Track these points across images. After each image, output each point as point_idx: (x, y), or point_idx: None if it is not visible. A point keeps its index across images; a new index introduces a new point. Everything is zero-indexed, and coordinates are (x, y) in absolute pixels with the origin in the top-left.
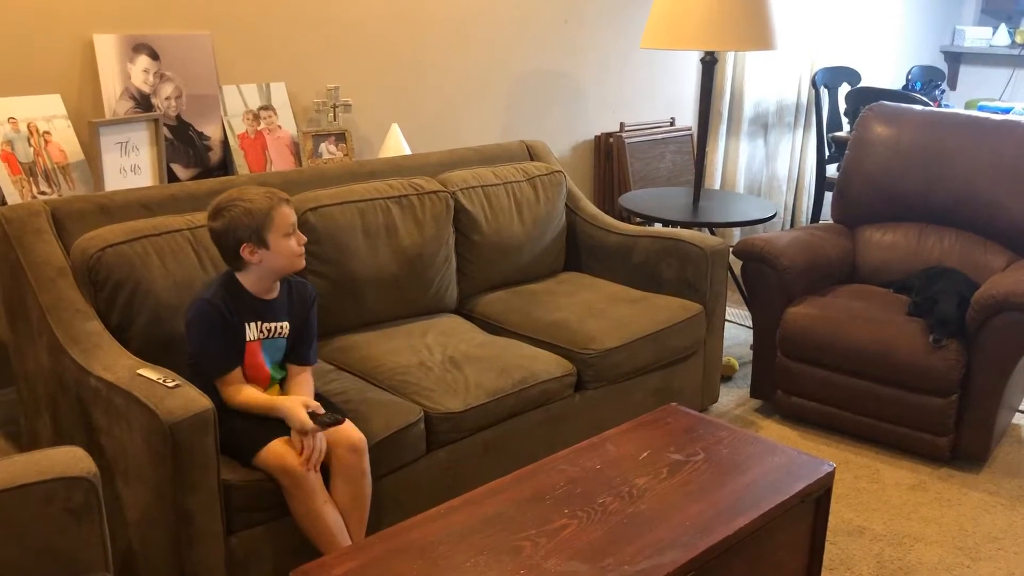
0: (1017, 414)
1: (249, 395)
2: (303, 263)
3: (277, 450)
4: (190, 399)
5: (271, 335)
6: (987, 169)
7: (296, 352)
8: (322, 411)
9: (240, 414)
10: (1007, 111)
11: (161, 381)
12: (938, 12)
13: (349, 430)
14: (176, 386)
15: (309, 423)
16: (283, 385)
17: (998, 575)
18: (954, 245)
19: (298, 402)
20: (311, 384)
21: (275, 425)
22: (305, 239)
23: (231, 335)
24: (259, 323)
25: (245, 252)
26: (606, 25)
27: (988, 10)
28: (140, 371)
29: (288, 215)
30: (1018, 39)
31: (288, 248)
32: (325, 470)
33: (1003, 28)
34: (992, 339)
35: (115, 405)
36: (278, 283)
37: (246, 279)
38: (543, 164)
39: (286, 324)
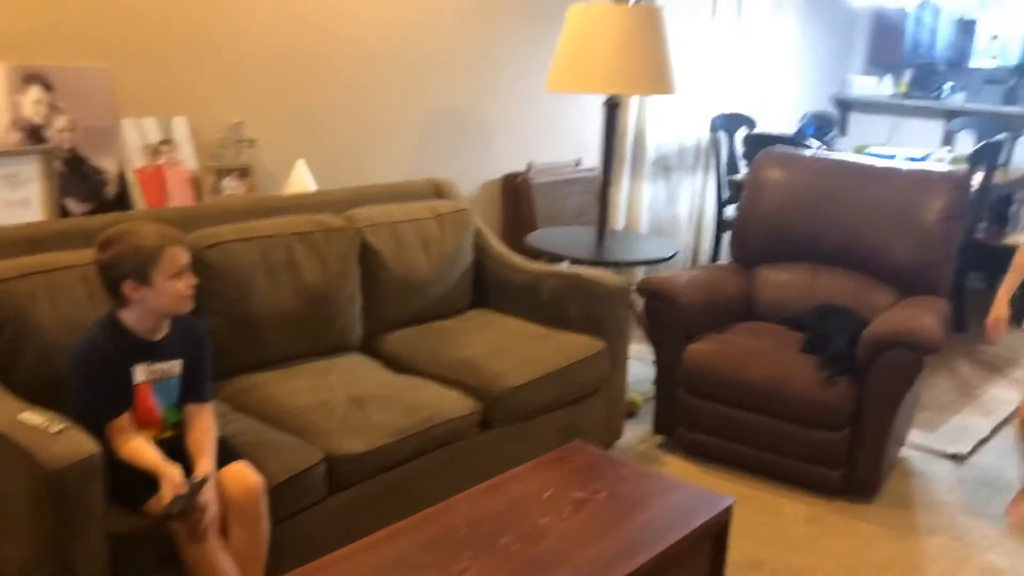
0: (904, 447)
1: (135, 449)
2: (188, 307)
3: (168, 497)
4: (75, 444)
5: (162, 377)
6: (873, 213)
7: (191, 390)
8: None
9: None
10: (892, 157)
11: (44, 426)
12: (829, 62)
13: (245, 472)
14: (60, 431)
15: (166, 502)
16: (182, 428)
17: None
18: (845, 284)
19: (174, 477)
20: (212, 425)
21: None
22: (195, 281)
23: (117, 379)
24: (147, 364)
25: (127, 288)
26: (515, 66)
27: (875, 61)
28: (21, 415)
29: (178, 256)
30: (901, 89)
31: (173, 290)
32: (221, 514)
33: (888, 79)
34: (880, 375)
35: None
36: (166, 322)
37: (128, 318)
38: (451, 202)
39: (177, 363)
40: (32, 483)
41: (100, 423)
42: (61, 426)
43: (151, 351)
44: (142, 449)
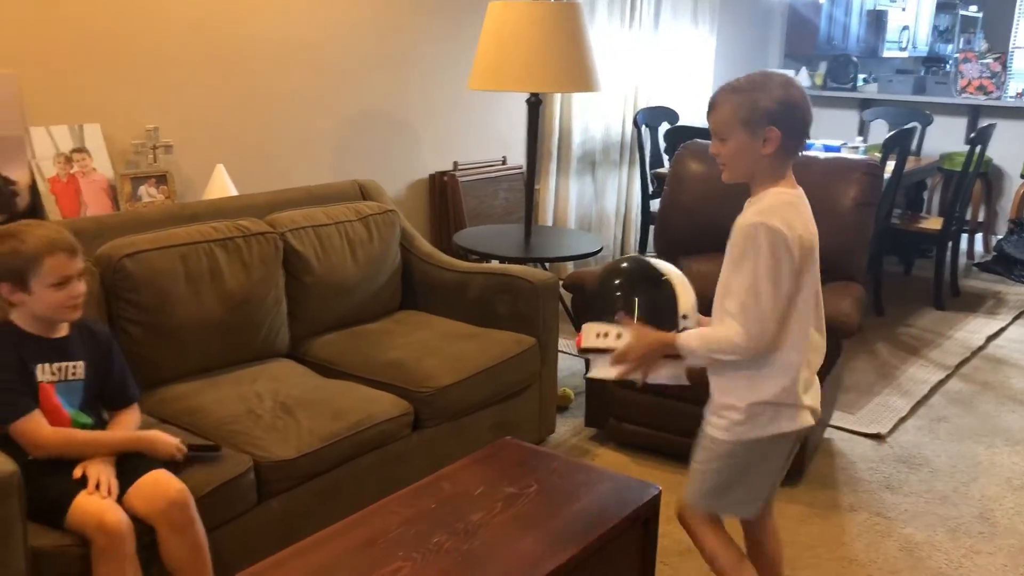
0: (828, 428)
1: (65, 433)
2: (73, 316)
3: (91, 506)
4: None
5: (64, 376)
6: None
7: (113, 395)
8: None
9: (46, 470)
10: (809, 147)
11: None
12: (746, 55)
13: (166, 480)
14: None
15: (182, 446)
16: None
17: None
18: None
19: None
20: (138, 420)
21: (84, 479)
22: (82, 291)
23: (19, 376)
24: (49, 364)
25: (3, 290)
26: (437, 65)
27: (791, 54)
28: None
29: (61, 266)
30: (817, 81)
31: (52, 299)
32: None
33: (804, 71)
34: None
35: None
36: (62, 324)
37: (19, 317)
38: (376, 203)
39: (80, 364)
40: None
41: (7, 422)
42: None
43: (51, 350)
44: (72, 432)
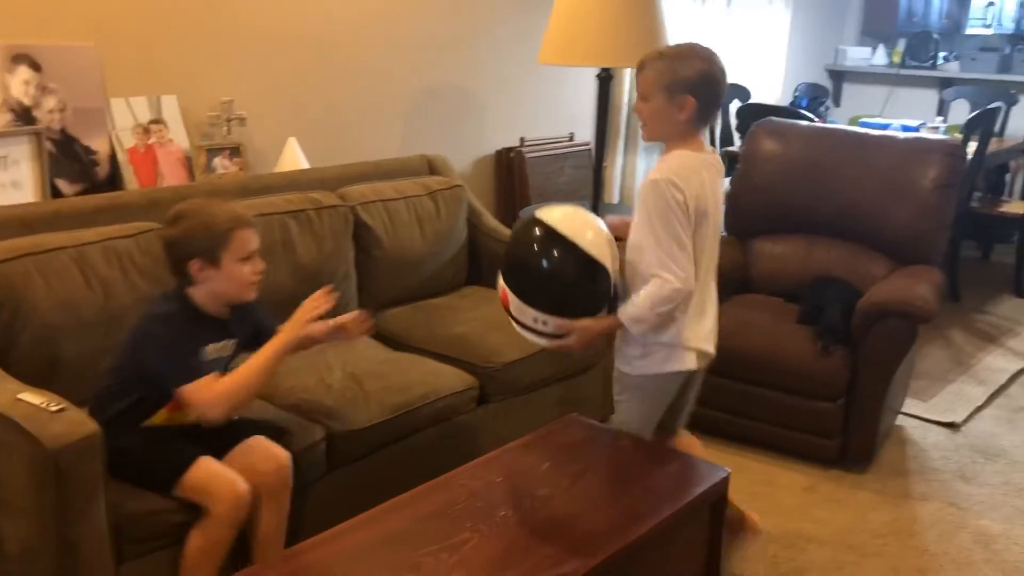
0: (899, 415)
1: (237, 373)
2: (253, 294)
3: (211, 469)
4: (75, 423)
5: (219, 354)
6: (868, 182)
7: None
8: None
9: (162, 435)
10: (886, 127)
11: (44, 406)
12: (822, 32)
13: (273, 446)
14: (60, 410)
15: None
16: None
17: (884, 570)
18: (840, 255)
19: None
20: None
21: (197, 447)
22: (262, 267)
23: (194, 347)
24: (214, 344)
25: (193, 267)
26: (506, 41)
27: (868, 31)
28: (21, 395)
29: (249, 240)
30: (895, 59)
31: (240, 274)
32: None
33: (881, 49)
34: (875, 344)
35: None
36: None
37: (197, 295)
38: (444, 178)
39: (233, 343)
40: (32, 462)
41: (181, 385)
42: (60, 406)
43: (219, 330)
44: (248, 365)
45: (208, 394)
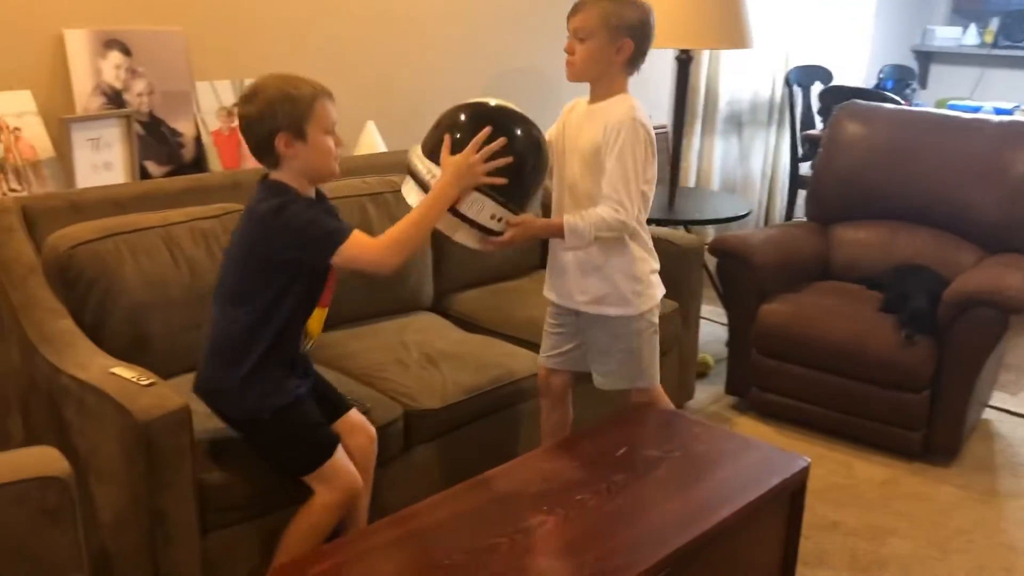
0: (986, 409)
1: (401, 221)
2: (337, 172)
3: (341, 460)
4: (164, 397)
5: None
6: (957, 168)
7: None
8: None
9: (294, 417)
10: (976, 109)
11: (135, 379)
12: (909, 12)
13: (365, 422)
14: (150, 384)
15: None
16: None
17: (968, 567)
18: (926, 242)
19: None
20: None
21: (326, 428)
22: (342, 143)
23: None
24: None
25: (280, 144)
26: None
27: (958, 10)
28: (113, 369)
29: (331, 111)
30: (987, 39)
31: (327, 146)
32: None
33: (972, 28)
34: (963, 335)
35: (87, 404)
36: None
37: (286, 175)
38: None
39: None
40: (123, 434)
41: (340, 245)
42: (150, 380)
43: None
44: (410, 216)
45: (378, 244)
